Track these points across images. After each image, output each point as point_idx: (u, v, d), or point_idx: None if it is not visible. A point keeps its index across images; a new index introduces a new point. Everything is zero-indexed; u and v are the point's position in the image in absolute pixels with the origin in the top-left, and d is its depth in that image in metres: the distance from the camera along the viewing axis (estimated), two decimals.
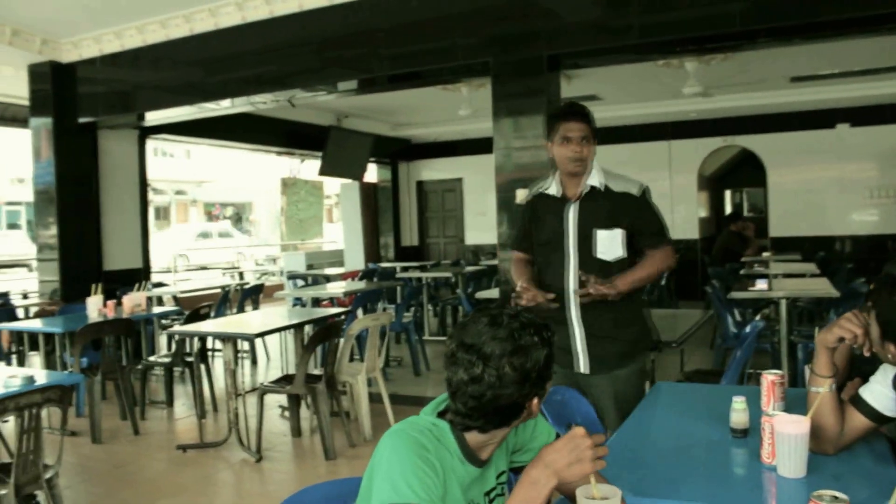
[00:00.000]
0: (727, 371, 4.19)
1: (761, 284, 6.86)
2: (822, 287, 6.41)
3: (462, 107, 10.06)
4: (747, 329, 4.35)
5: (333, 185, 19.29)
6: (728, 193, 16.75)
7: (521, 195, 5.71)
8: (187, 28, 7.17)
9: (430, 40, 6.15)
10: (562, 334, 3.01)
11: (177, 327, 6.04)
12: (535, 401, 1.55)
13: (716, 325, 7.44)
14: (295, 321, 5.71)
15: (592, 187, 3.05)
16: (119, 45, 7.63)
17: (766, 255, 10.96)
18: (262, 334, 5.18)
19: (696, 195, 13.08)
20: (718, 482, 1.98)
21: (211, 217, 41.92)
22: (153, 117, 8.37)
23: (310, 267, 14.34)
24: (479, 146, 13.97)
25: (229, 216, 42.67)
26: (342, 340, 5.36)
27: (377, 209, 15.17)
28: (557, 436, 1.80)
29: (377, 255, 14.93)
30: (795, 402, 2.41)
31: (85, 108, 8.19)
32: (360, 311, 7.17)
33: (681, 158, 12.89)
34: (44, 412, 3.41)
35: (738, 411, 2.30)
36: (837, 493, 1.51)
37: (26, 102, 8.42)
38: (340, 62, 6.68)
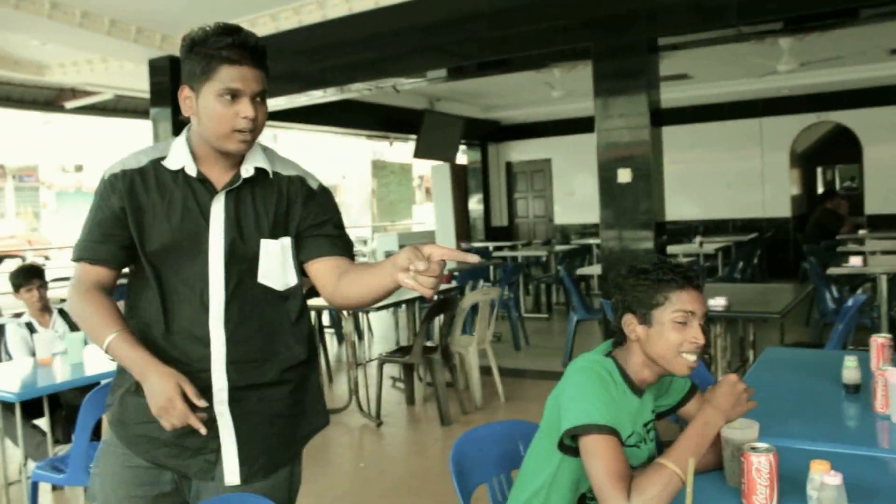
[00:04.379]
0: (829, 342, 4.37)
1: (855, 261, 6.93)
2: None
3: (554, 89, 10.26)
4: (849, 302, 4.50)
5: (421, 167, 19.70)
6: (819, 171, 16.49)
7: (624, 174, 5.93)
8: (296, 20, 7.58)
9: (531, 24, 6.39)
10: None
11: None
12: None
13: (812, 301, 7.53)
14: (409, 297, 6.06)
15: (257, 170, 1.85)
16: None
17: (862, 232, 10.87)
18: (382, 308, 5.57)
19: (787, 173, 12.97)
20: (839, 428, 2.24)
21: None
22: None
23: (402, 247, 14.77)
24: (568, 127, 14.16)
25: None
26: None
27: (467, 190, 15.49)
28: (692, 385, 2.08)
29: (468, 234, 15.27)
30: None
31: None
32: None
33: (772, 136, 12.79)
34: None
35: (851, 368, 2.53)
36: None
37: (142, 94, 8.99)
38: (442, 49, 6.99)
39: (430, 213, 20.11)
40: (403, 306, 6.57)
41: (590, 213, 14.11)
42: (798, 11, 5.56)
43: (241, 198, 1.84)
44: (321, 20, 7.45)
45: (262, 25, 7.84)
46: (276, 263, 1.87)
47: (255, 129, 1.76)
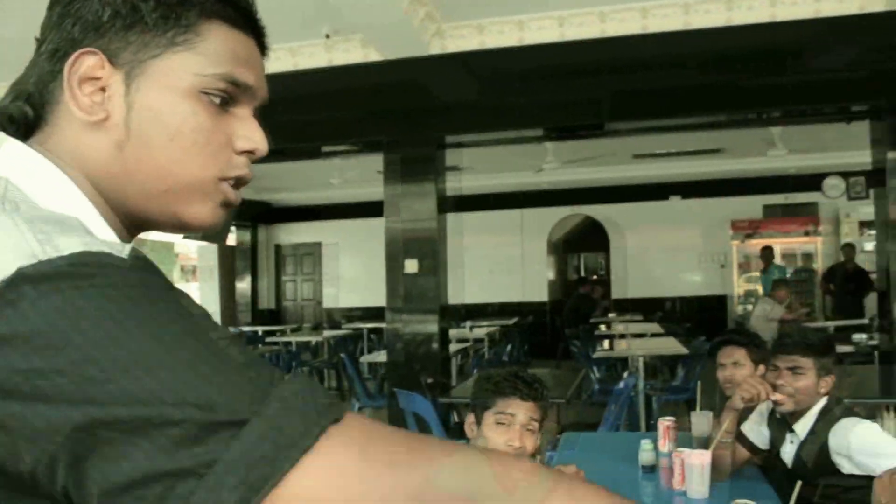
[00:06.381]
0: (605, 421, 4.76)
1: (609, 344, 7.63)
2: (673, 346, 7.24)
3: (334, 175, 10.47)
4: (621, 385, 4.94)
5: (180, 245, 19.03)
6: (570, 258, 17.86)
7: (411, 265, 6.16)
8: None
9: (325, 113, 6.56)
10: None
11: None
12: None
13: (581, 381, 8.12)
14: None
15: None
16: None
17: (611, 315, 11.90)
18: None
19: (545, 260, 13.99)
20: None
21: None
22: None
23: None
24: (340, 211, 14.39)
25: None
26: None
27: (234, 272, 15.16)
28: None
29: (234, 318, 14.87)
30: (682, 442, 2.94)
31: None
32: None
33: (532, 225, 13.77)
34: None
35: (647, 451, 2.82)
36: (748, 501, 2.03)
37: None
38: None
39: (193, 294, 19.40)
40: None
41: (358, 296, 14.37)
42: (561, 123, 6.24)
43: None
44: None
45: None
46: None
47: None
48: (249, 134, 0.75)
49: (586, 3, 5.68)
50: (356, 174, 10.45)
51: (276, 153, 6.41)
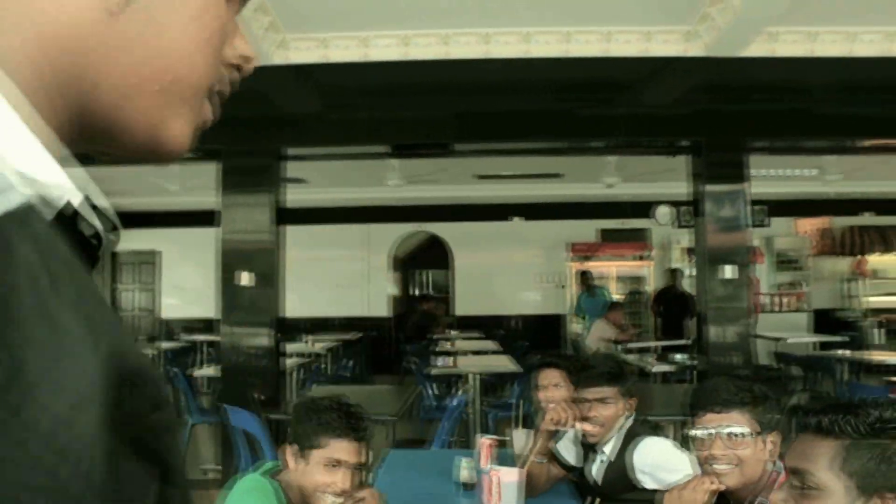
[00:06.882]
0: (436, 438, 4.81)
1: (447, 361, 7.73)
2: (507, 363, 7.40)
3: (173, 182, 10.13)
4: (454, 402, 5.01)
5: None
6: (414, 274, 18.01)
7: (247, 276, 6.01)
8: None
9: None
10: None
11: None
12: None
13: (414, 397, 8.16)
14: None
15: None
16: None
17: (453, 332, 12.06)
18: None
19: (389, 275, 14.03)
20: None
21: None
22: None
23: None
24: (180, 219, 13.86)
25: None
26: None
27: None
28: None
29: None
30: (503, 459, 3.01)
31: None
32: None
33: (378, 241, 13.79)
34: None
35: (466, 469, 2.86)
36: None
37: None
38: None
39: None
40: None
41: (200, 307, 13.87)
42: (405, 140, 6.30)
43: None
44: None
45: None
46: None
47: None
48: (242, 43, 0.58)
49: (430, 25, 5.76)
50: (199, 181, 10.12)
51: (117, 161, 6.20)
